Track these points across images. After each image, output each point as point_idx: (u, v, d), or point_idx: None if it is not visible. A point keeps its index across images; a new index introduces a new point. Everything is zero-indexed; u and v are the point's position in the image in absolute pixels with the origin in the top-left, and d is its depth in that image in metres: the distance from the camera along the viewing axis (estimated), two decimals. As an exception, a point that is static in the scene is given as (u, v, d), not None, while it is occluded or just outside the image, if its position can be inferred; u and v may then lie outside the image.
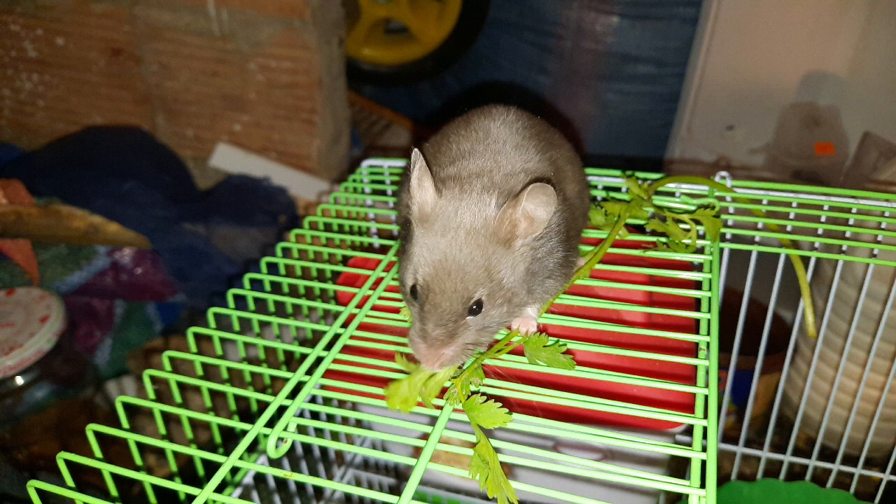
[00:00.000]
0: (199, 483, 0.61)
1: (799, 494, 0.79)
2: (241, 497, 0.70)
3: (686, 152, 1.69)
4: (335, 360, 0.57)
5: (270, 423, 0.51)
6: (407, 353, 0.54)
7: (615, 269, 0.65)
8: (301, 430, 0.51)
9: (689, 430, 0.57)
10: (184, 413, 0.55)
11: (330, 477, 0.95)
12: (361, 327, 0.61)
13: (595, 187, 0.80)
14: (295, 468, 0.86)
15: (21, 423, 1.06)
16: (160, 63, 1.57)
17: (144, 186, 1.37)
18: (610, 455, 0.77)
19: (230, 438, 0.67)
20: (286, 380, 0.55)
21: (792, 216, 0.73)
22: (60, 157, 1.48)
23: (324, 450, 0.94)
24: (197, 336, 0.65)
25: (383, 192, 0.88)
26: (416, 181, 0.51)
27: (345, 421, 0.92)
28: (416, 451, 0.85)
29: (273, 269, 0.74)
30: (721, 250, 0.76)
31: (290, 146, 1.61)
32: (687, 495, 0.42)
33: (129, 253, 1.37)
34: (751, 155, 1.71)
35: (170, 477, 0.55)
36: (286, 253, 0.75)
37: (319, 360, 0.57)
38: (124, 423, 0.58)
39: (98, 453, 0.54)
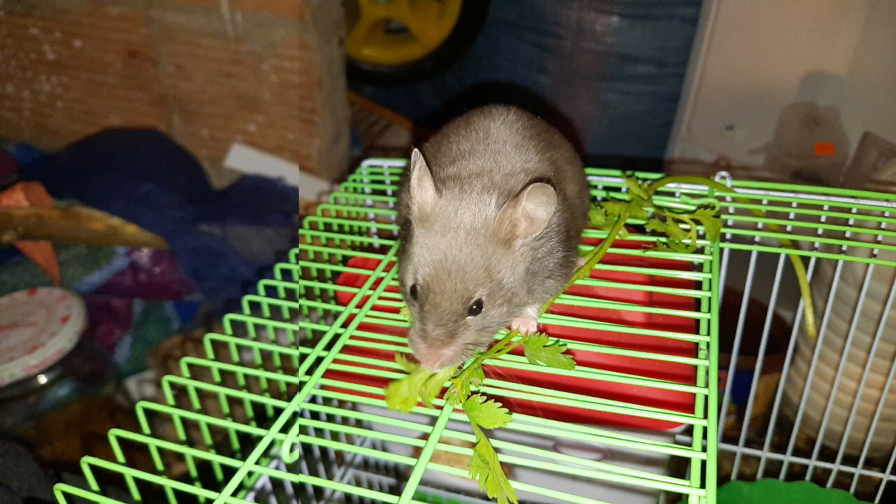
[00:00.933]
0: (216, 484, 0.62)
1: (799, 494, 0.79)
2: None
3: (686, 152, 1.69)
4: (335, 360, 0.57)
5: (284, 429, 0.51)
6: (407, 353, 0.54)
7: (615, 269, 0.65)
8: (301, 429, 0.52)
9: (689, 430, 0.57)
10: (202, 419, 0.56)
11: (330, 477, 0.95)
12: (361, 327, 0.61)
13: (595, 187, 0.80)
14: (293, 469, 0.87)
15: (44, 420, 1.08)
16: (176, 64, 1.57)
17: (162, 188, 1.38)
18: (610, 455, 0.77)
19: (244, 437, 0.67)
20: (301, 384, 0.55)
21: (792, 216, 0.73)
22: (80, 160, 1.49)
23: (323, 450, 0.94)
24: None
25: (383, 192, 0.88)
26: (416, 181, 0.51)
27: (345, 421, 0.92)
28: (417, 451, 0.85)
29: (287, 274, 0.74)
30: (721, 250, 0.76)
31: (291, 145, 1.61)
32: (687, 495, 0.42)
33: (147, 253, 1.39)
34: (751, 155, 1.71)
35: (187, 479, 0.56)
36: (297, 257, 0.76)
37: (319, 360, 0.57)
38: (145, 428, 0.58)
39: (121, 457, 0.54)
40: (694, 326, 0.58)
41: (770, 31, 1.61)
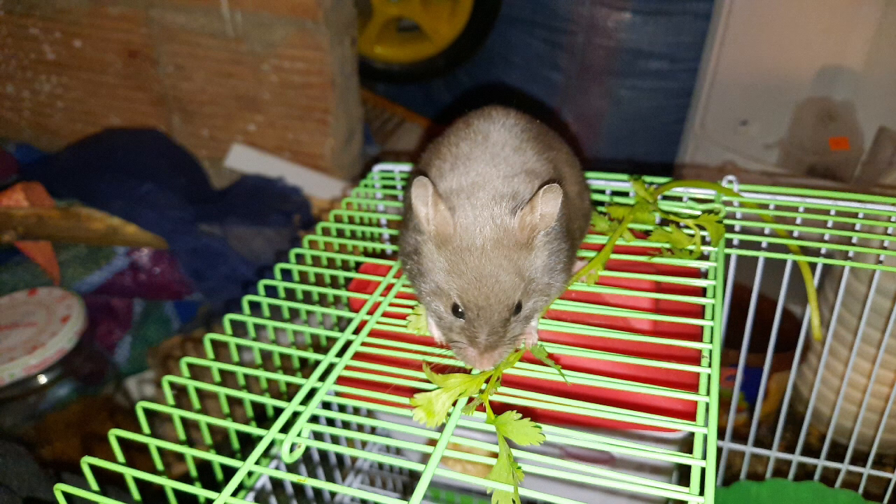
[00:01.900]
0: (216, 484, 0.64)
1: (807, 494, 0.80)
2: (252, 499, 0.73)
3: (699, 148, 1.69)
4: (347, 367, 0.58)
5: (284, 429, 0.53)
6: (433, 364, 0.56)
7: (620, 275, 0.66)
8: (316, 436, 0.53)
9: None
10: (202, 419, 0.57)
11: (335, 481, 0.96)
12: (372, 334, 0.62)
13: (602, 192, 0.81)
14: (294, 471, 0.88)
15: (44, 420, 1.09)
16: (175, 64, 1.59)
17: (162, 188, 1.40)
18: (611, 461, 0.78)
19: (244, 437, 0.69)
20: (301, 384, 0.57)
21: (799, 221, 0.73)
22: (80, 160, 1.51)
23: (326, 454, 0.95)
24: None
25: (395, 198, 0.89)
26: (431, 208, 0.53)
27: (360, 428, 0.93)
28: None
29: (287, 274, 0.76)
30: (728, 256, 0.76)
31: (303, 146, 1.63)
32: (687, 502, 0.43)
33: (146, 253, 1.40)
34: (765, 150, 1.70)
35: (187, 479, 0.58)
36: (300, 259, 0.77)
37: (332, 366, 0.59)
38: (145, 428, 0.60)
39: (121, 457, 0.56)
40: (699, 332, 0.59)
41: (784, 25, 1.60)
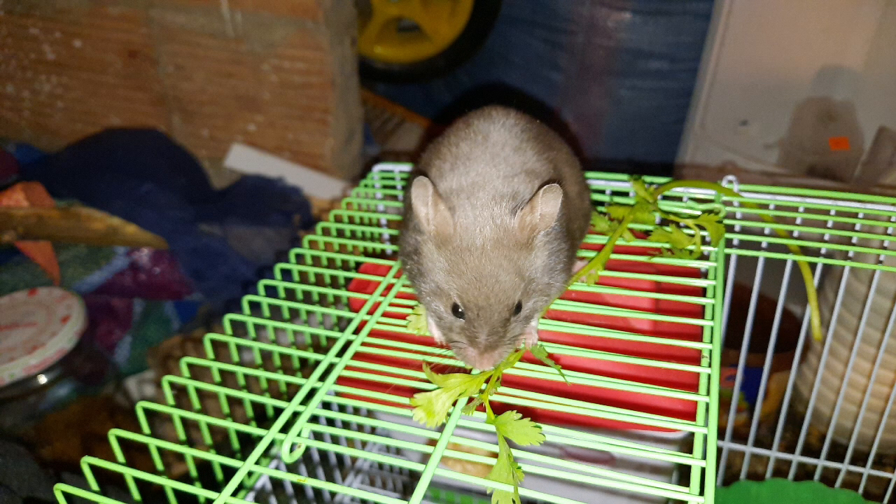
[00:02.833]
0: (215, 484, 0.64)
1: (807, 494, 0.80)
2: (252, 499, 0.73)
3: (699, 148, 1.69)
4: (347, 367, 0.58)
5: (284, 429, 0.53)
6: (433, 364, 0.56)
7: (620, 275, 0.66)
8: (316, 436, 0.53)
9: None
10: (202, 419, 0.57)
11: (335, 481, 0.96)
12: (372, 334, 0.62)
13: (603, 192, 0.81)
14: (294, 471, 0.88)
15: (44, 420, 1.09)
16: (175, 64, 1.59)
17: (162, 188, 1.40)
18: (611, 461, 0.78)
19: (244, 437, 0.69)
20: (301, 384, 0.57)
21: (799, 221, 0.73)
22: (80, 160, 1.51)
23: (326, 454, 0.95)
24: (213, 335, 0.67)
25: (394, 198, 0.89)
26: (431, 208, 0.53)
27: (360, 428, 0.94)
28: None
29: (287, 274, 0.76)
30: (728, 256, 0.76)
31: (303, 146, 1.63)
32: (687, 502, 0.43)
33: (147, 253, 1.40)
34: (765, 150, 1.71)
35: (187, 479, 0.58)
36: (299, 259, 0.77)
37: (332, 366, 0.59)
38: (145, 428, 0.60)
39: (121, 457, 0.56)
40: (699, 332, 0.59)
41: (784, 25, 1.60)
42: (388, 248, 0.83)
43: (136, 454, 0.70)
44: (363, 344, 0.61)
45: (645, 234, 0.71)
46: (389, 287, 0.68)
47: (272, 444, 0.52)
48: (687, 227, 0.68)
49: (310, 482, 0.49)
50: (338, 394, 0.58)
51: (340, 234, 0.83)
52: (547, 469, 0.47)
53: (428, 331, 0.61)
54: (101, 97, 1.69)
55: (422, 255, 0.55)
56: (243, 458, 0.51)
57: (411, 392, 0.53)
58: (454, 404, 0.53)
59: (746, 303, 0.86)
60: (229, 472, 0.59)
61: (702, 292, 0.62)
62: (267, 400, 0.59)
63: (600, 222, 0.70)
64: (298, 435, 0.52)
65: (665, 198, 0.76)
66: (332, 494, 0.94)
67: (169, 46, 1.57)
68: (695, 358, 0.56)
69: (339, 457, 0.97)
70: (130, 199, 1.36)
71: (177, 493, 0.54)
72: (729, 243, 0.73)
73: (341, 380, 0.58)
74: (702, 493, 0.43)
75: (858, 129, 1.59)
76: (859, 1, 1.52)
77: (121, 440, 0.56)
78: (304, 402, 0.55)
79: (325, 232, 0.81)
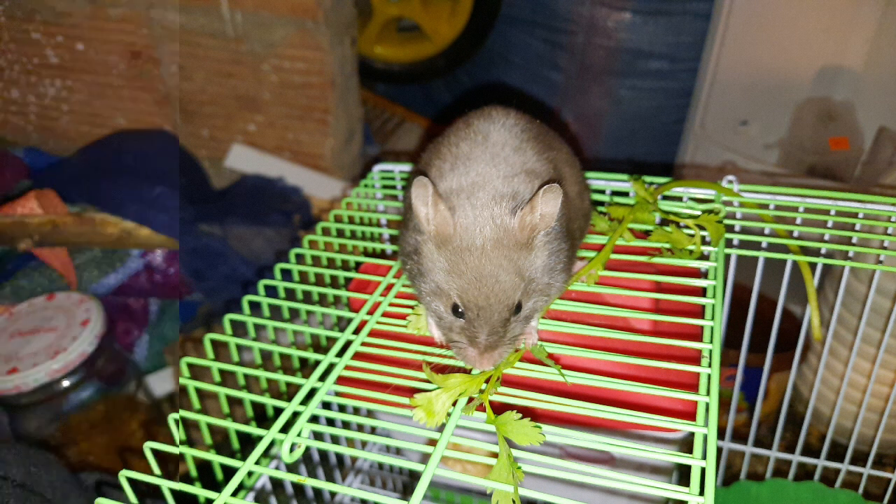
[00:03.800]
0: (215, 483, 0.64)
1: (807, 494, 0.80)
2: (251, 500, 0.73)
3: (699, 148, 1.69)
4: (347, 367, 0.59)
5: (284, 429, 0.53)
6: (433, 364, 0.56)
7: (620, 275, 0.66)
8: (316, 436, 0.53)
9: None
10: (202, 419, 0.58)
11: (335, 481, 0.97)
12: (372, 334, 0.62)
13: (602, 192, 0.81)
14: (294, 471, 0.88)
15: (68, 422, 1.10)
16: (176, 64, 1.59)
17: (173, 191, 1.40)
18: (611, 461, 0.78)
19: (244, 437, 0.69)
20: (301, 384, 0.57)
21: (799, 221, 0.73)
22: (91, 164, 1.51)
23: (325, 454, 0.95)
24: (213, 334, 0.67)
25: (395, 198, 0.89)
26: (431, 208, 0.53)
27: (360, 428, 0.94)
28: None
29: (287, 274, 0.76)
30: (727, 256, 0.76)
31: (303, 146, 1.63)
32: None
33: (160, 254, 1.41)
34: (765, 150, 1.71)
35: (187, 478, 0.58)
36: (300, 259, 0.77)
37: (332, 366, 0.59)
38: (182, 436, 0.60)
39: (157, 470, 0.56)
40: (699, 332, 0.59)
41: (784, 25, 1.60)
42: (388, 248, 0.83)
43: (132, 458, 0.69)
44: (363, 344, 0.61)
45: (645, 234, 0.71)
46: (389, 287, 0.68)
47: (272, 443, 0.52)
48: (687, 227, 0.68)
49: (310, 482, 0.49)
50: (338, 394, 0.58)
51: (340, 234, 0.83)
52: (547, 469, 0.47)
53: (428, 331, 0.61)
54: (106, 99, 1.69)
55: (422, 255, 0.55)
56: (243, 459, 0.51)
57: (412, 392, 0.53)
58: (454, 404, 0.53)
59: (746, 303, 0.86)
60: (229, 472, 0.59)
61: (702, 292, 0.62)
62: (267, 400, 0.59)
63: (600, 222, 0.70)
64: (298, 435, 0.52)
65: (665, 198, 0.76)
66: (332, 494, 0.94)
67: (170, 47, 1.57)
68: (695, 358, 0.56)
69: (339, 457, 0.97)
70: (143, 202, 1.37)
71: (175, 492, 0.54)
72: (729, 243, 0.73)
73: (341, 380, 0.58)
74: (702, 493, 0.43)
75: (858, 129, 1.59)
76: (859, 1, 1.52)
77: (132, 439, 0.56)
78: (304, 402, 0.55)
79: (325, 232, 0.81)
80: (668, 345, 0.56)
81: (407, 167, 0.90)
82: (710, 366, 0.53)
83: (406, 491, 1.05)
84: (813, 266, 0.72)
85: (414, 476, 1.04)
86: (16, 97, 1.74)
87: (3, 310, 1.20)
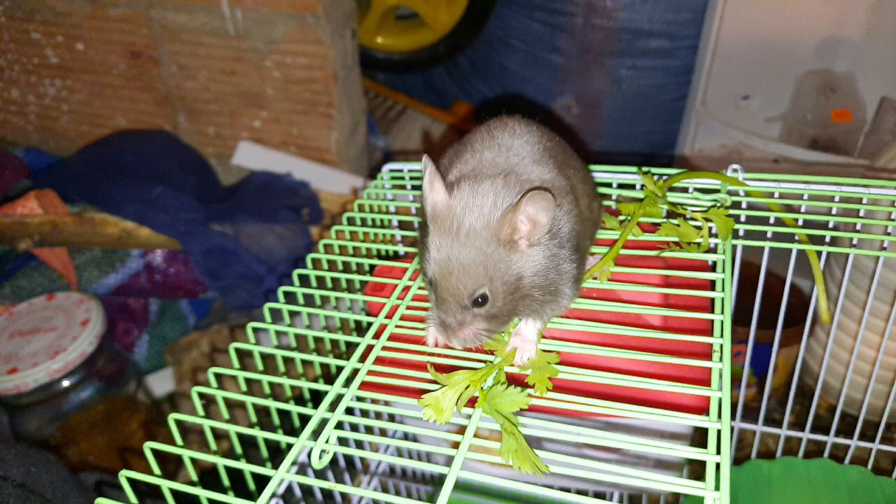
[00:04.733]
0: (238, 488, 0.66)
1: (817, 471, 0.82)
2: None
3: (701, 124, 1.69)
4: (369, 372, 0.60)
5: (313, 436, 0.55)
6: (436, 364, 0.58)
7: (628, 270, 0.67)
8: (341, 441, 0.55)
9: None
10: (232, 428, 0.60)
11: (359, 484, 0.98)
12: (392, 338, 0.64)
13: (610, 185, 0.82)
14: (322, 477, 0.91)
15: (68, 421, 1.12)
16: (178, 64, 1.60)
17: (173, 191, 1.41)
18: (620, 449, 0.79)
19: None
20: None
21: (803, 209, 0.75)
22: (91, 164, 1.52)
23: (349, 458, 0.97)
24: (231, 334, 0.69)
25: (405, 198, 0.90)
26: (427, 184, 0.56)
27: (382, 432, 0.95)
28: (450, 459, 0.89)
29: (303, 278, 0.77)
30: (734, 247, 0.77)
31: (308, 140, 1.64)
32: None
33: (161, 254, 1.42)
34: (767, 124, 1.71)
35: (220, 487, 0.60)
36: (316, 263, 0.79)
37: (356, 371, 0.61)
38: (178, 439, 0.62)
39: (157, 471, 0.58)
40: (709, 325, 0.61)
41: (783, -3, 1.60)
42: (402, 249, 0.84)
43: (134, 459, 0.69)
44: (383, 348, 0.62)
45: (653, 228, 0.72)
46: (406, 289, 0.70)
47: (288, 448, 0.54)
48: (694, 219, 0.70)
49: (339, 488, 0.51)
50: (360, 399, 0.60)
51: (354, 236, 0.84)
52: (558, 465, 0.48)
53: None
54: (106, 99, 1.70)
55: (424, 237, 0.57)
56: (260, 464, 0.52)
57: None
58: (471, 404, 0.54)
59: (754, 279, 0.87)
60: (256, 478, 0.61)
61: (710, 285, 0.64)
62: (293, 407, 0.61)
63: (610, 220, 0.72)
64: (327, 441, 0.54)
65: (670, 189, 0.76)
66: (360, 498, 0.96)
67: (171, 46, 1.58)
68: (705, 352, 0.57)
69: (363, 460, 0.99)
70: (143, 202, 1.38)
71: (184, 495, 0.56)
72: (735, 233, 0.74)
73: (364, 385, 0.60)
74: (717, 487, 0.45)
75: (860, 101, 1.59)
76: (858, -29, 1.51)
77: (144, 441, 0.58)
78: (331, 408, 0.57)
79: (339, 235, 0.83)
80: (677, 340, 0.57)
81: (416, 165, 0.91)
82: (721, 360, 0.54)
83: (433, 492, 1.06)
84: (819, 252, 0.73)
85: (437, 483, 1.07)
86: (16, 97, 1.75)
87: (3, 310, 1.21)
